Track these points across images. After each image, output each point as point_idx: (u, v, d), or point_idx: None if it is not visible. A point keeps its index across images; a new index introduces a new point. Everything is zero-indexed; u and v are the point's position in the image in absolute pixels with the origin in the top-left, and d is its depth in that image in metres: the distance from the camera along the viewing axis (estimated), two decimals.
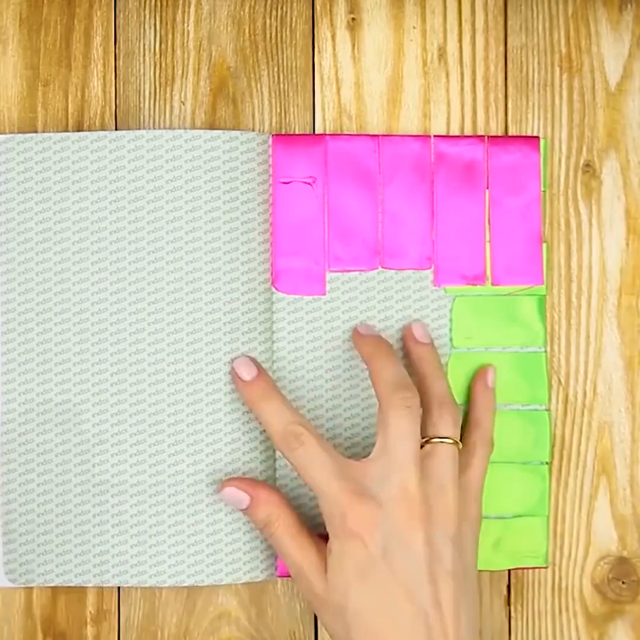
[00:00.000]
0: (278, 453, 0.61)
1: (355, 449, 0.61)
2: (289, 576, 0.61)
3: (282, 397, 0.58)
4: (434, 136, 0.61)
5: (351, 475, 0.55)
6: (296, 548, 0.56)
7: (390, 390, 0.56)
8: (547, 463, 0.61)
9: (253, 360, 0.59)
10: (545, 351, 0.62)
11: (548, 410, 0.62)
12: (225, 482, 0.58)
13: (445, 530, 0.55)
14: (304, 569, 0.56)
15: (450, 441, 0.56)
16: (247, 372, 0.59)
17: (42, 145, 0.60)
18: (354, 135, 0.61)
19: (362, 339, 0.60)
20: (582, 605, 0.62)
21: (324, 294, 0.61)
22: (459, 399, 0.61)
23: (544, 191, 0.62)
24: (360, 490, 0.54)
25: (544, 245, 0.62)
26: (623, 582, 0.62)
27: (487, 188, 0.62)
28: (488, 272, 0.61)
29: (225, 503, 0.59)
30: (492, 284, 0.61)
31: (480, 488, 0.58)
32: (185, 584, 0.60)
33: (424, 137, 0.61)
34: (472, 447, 0.58)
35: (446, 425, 0.56)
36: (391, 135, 0.61)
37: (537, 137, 0.62)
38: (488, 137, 0.62)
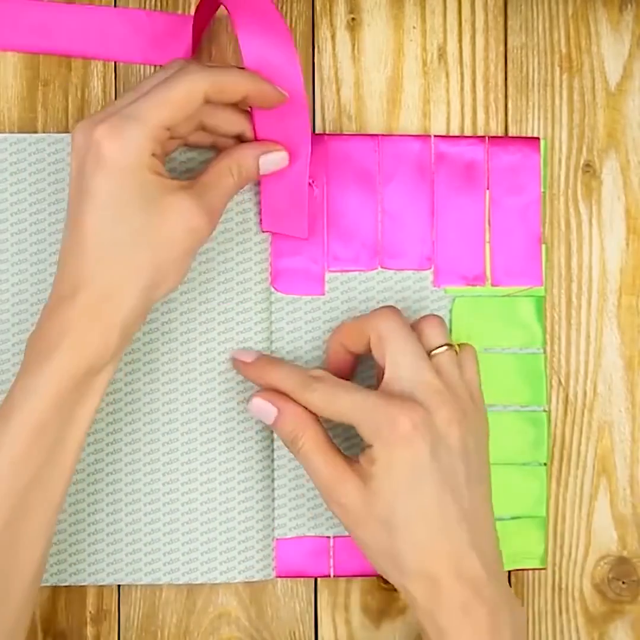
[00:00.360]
0: (276, 453, 0.61)
1: (355, 449, 0.61)
2: (288, 576, 0.61)
3: (284, 362, 0.58)
4: (434, 136, 0.61)
5: (379, 394, 0.55)
6: (326, 463, 0.55)
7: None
8: (545, 464, 0.61)
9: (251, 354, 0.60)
10: (544, 352, 0.62)
11: (546, 411, 0.62)
12: (254, 394, 0.57)
13: (469, 428, 0.55)
14: (336, 484, 0.55)
15: (446, 347, 0.56)
16: (247, 356, 0.59)
17: (36, 147, 0.60)
18: (354, 135, 0.61)
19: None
20: (582, 605, 0.62)
21: (323, 294, 0.61)
22: None
23: (544, 192, 0.62)
24: (399, 398, 0.54)
25: (543, 247, 0.62)
26: (623, 582, 0.62)
27: (487, 189, 0.61)
28: (488, 273, 0.61)
29: (254, 416, 0.59)
30: (492, 285, 0.61)
31: (480, 383, 0.58)
32: (180, 582, 0.60)
33: (424, 137, 0.61)
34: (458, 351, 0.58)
35: (437, 335, 0.56)
36: (391, 135, 0.61)
37: (538, 138, 0.62)
38: (488, 137, 0.62)
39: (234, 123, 0.57)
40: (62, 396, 0.51)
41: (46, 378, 0.51)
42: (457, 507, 0.54)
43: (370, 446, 0.54)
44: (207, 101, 0.53)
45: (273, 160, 0.57)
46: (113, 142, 0.51)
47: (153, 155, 0.52)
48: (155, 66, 0.62)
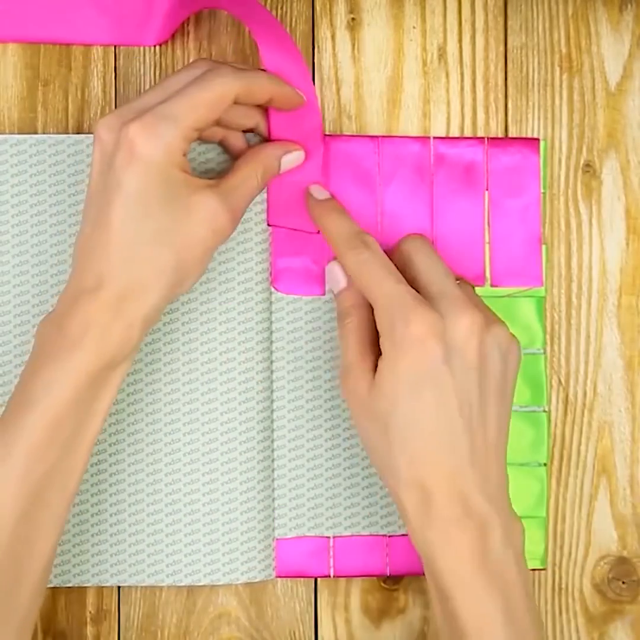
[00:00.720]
0: (276, 453, 0.61)
1: (354, 449, 0.61)
2: (288, 576, 0.61)
3: (351, 216, 0.58)
4: (434, 137, 0.61)
5: (410, 290, 0.55)
6: (357, 345, 0.55)
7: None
8: (545, 465, 0.61)
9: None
10: (544, 353, 0.62)
11: (546, 411, 0.62)
12: (332, 261, 0.58)
13: (493, 346, 0.54)
14: (355, 368, 0.55)
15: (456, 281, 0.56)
16: (320, 193, 0.59)
17: (37, 148, 0.60)
18: (354, 136, 0.61)
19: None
20: (582, 605, 0.62)
21: (323, 294, 0.61)
22: None
23: (544, 193, 0.62)
24: (425, 301, 0.54)
25: (543, 247, 0.62)
26: (623, 582, 0.62)
27: (487, 190, 0.61)
28: (487, 274, 0.61)
29: (328, 283, 0.60)
30: (491, 285, 0.61)
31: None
32: (182, 584, 0.60)
33: (424, 138, 0.61)
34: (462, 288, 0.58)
35: (442, 275, 0.57)
36: (391, 137, 0.61)
37: (537, 139, 0.62)
38: (488, 138, 0.61)
39: (249, 117, 0.58)
40: (81, 391, 0.52)
41: (67, 373, 0.52)
42: (462, 421, 0.53)
43: (382, 337, 0.54)
44: (235, 102, 0.54)
45: (293, 159, 0.59)
46: (148, 140, 0.52)
47: (183, 154, 0.53)
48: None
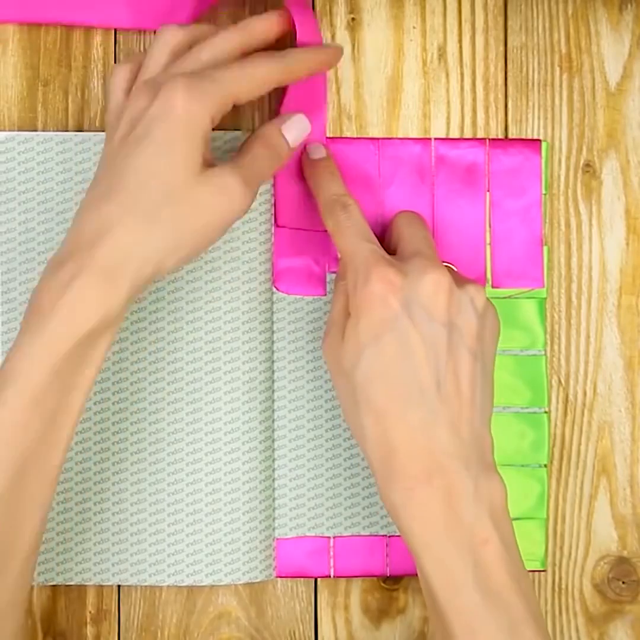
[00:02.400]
0: (277, 453, 0.61)
1: (355, 449, 0.61)
2: (288, 576, 0.61)
3: (342, 179, 0.58)
4: (435, 139, 0.61)
5: (377, 250, 0.55)
6: (343, 307, 0.55)
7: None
8: (545, 466, 0.61)
9: (325, 146, 0.60)
10: (545, 354, 0.62)
11: (547, 412, 0.62)
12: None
13: (464, 307, 0.54)
14: (332, 327, 0.56)
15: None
16: (317, 152, 0.60)
17: (44, 146, 0.60)
18: (355, 138, 0.61)
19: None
20: (582, 605, 0.62)
21: (325, 295, 0.61)
22: None
23: (545, 194, 0.62)
24: (390, 260, 0.54)
25: (545, 248, 0.62)
26: (623, 582, 0.62)
27: (488, 191, 0.61)
28: (488, 275, 0.61)
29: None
30: (493, 287, 0.61)
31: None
32: (184, 584, 0.60)
33: (425, 140, 0.61)
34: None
35: (421, 238, 0.57)
36: (391, 139, 0.61)
37: (539, 140, 0.62)
38: (489, 140, 0.61)
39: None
40: (60, 363, 0.50)
41: (43, 344, 0.50)
42: (429, 374, 0.52)
43: (349, 296, 0.54)
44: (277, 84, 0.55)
45: (294, 125, 0.57)
46: (191, 99, 0.51)
47: (212, 124, 0.52)
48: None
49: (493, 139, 0.62)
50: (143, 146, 0.51)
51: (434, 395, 0.52)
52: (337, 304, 0.56)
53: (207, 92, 0.52)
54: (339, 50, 0.57)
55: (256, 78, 0.53)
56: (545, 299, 0.62)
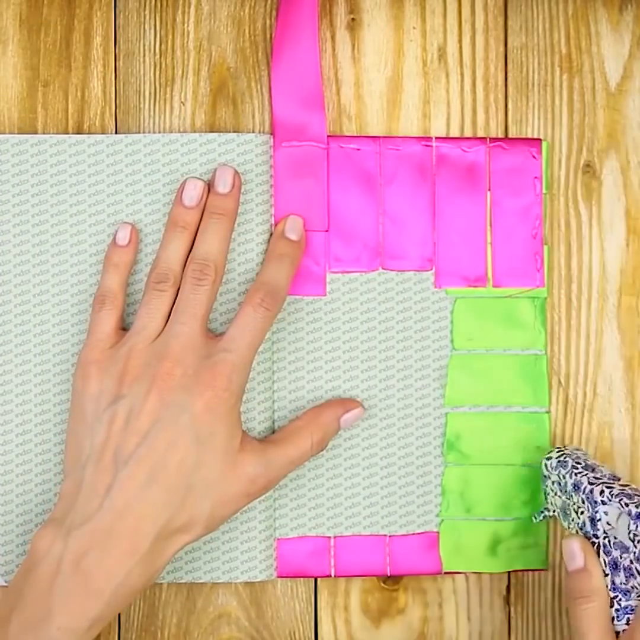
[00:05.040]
0: None
1: (355, 449, 0.61)
2: (289, 576, 0.61)
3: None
4: (436, 138, 0.61)
5: None
6: (600, 632, 0.55)
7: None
8: None
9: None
10: (546, 354, 0.62)
11: (548, 412, 0.62)
12: (569, 537, 0.57)
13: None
14: None
15: None
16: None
17: (39, 148, 0.60)
18: (355, 137, 0.61)
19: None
20: None
21: (325, 295, 0.61)
22: (460, 400, 0.61)
23: (545, 193, 0.62)
24: None
25: (545, 248, 0.62)
26: None
27: (489, 190, 0.61)
28: (489, 274, 0.61)
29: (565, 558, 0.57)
30: (493, 286, 0.61)
31: None
32: (182, 580, 0.60)
33: (426, 139, 0.61)
34: None
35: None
36: (392, 137, 0.61)
37: (539, 140, 0.62)
38: (490, 139, 0.61)
39: None
40: None
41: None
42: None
43: None
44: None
45: (352, 417, 0.60)
46: (229, 385, 0.55)
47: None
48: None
49: (494, 138, 0.62)
50: (187, 432, 0.55)
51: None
52: (590, 629, 0.55)
53: (235, 376, 0.56)
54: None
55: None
56: (546, 298, 0.62)
